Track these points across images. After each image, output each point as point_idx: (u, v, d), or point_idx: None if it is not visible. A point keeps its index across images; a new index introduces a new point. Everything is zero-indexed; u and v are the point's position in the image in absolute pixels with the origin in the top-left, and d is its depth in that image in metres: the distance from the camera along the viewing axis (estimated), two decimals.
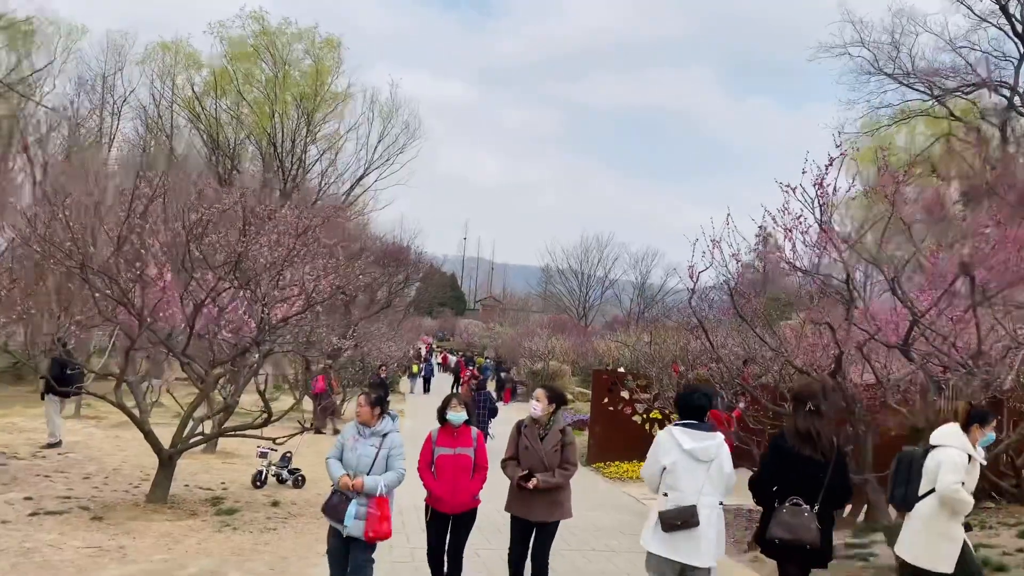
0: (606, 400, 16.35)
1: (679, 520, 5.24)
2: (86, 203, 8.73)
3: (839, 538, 9.52)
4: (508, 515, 6.60)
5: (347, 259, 10.36)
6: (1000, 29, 27.77)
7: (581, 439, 18.60)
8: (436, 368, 45.98)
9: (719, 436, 5.49)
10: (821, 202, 6.96)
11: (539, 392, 6.79)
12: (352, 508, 5.82)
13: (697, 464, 5.33)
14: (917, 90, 27.80)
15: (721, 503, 5.41)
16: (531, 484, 6.33)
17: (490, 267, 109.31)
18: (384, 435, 6.07)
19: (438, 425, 6.62)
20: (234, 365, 10.89)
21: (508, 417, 12.90)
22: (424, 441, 6.62)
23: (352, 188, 42.07)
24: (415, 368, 39.87)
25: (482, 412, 16.74)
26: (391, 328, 26.89)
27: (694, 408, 5.49)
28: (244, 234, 8.36)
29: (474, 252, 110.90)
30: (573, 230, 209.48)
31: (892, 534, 7.28)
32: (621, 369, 21.31)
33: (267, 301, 8.79)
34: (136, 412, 10.02)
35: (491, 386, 17.59)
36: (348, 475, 5.89)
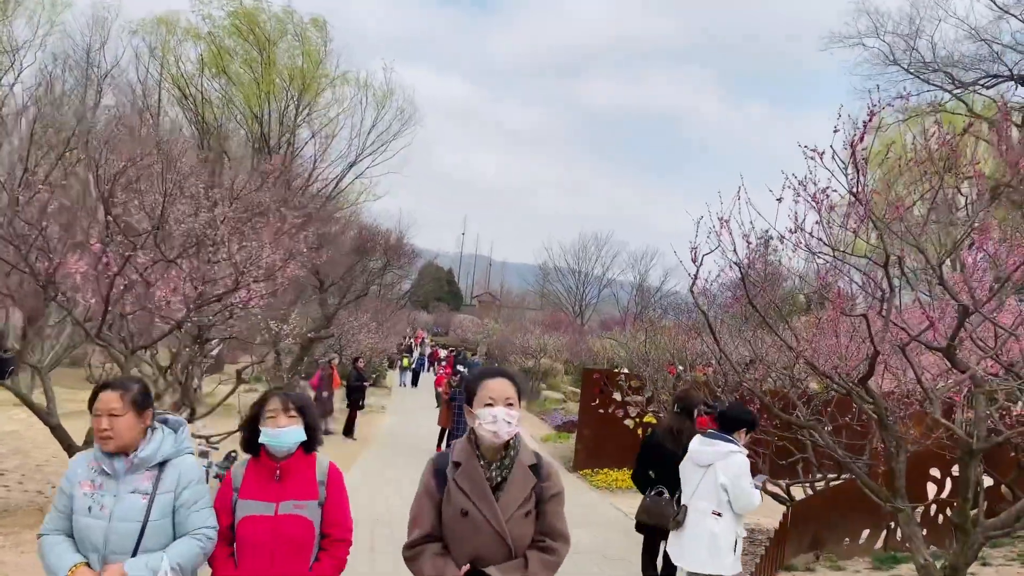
0: (596, 402, 15.01)
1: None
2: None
3: (856, 565, 8.43)
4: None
5: (296, 229, 8.99)
6: (1022, 21, 26.47)
7: (568, 444, 17.19)
8: (426, 362, 44.83)
9: (726, 447, 5.38)
10: (857, 167, 5.60)
11: (500, 383, 3.13)
12: None
13: (694, 468, 5.53)
14: (934, 84, 26.46)
15: (718, 513, 5.34)
16: None
17: (488, 264, 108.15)
18: (160, 466, 3.19)
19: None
20: (198, 352, 9.69)
21: None
22: (220, 486, 3.44)
23: (344, 174, 40.67)
24: (406, 362, 38.74)
25: (462, 415, 15.42)
26: (374, 319, 25.54)
27: (724, 418, 5.66)
28: (164, 194, 7.06)
29: (472, 249, 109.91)
30: (572, 229, 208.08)
31: (929, 570, 6.11)
32: (626, 370, 19.91)
33: (194, 276, 7.47)
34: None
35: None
36: (86, 564, 3.07)
